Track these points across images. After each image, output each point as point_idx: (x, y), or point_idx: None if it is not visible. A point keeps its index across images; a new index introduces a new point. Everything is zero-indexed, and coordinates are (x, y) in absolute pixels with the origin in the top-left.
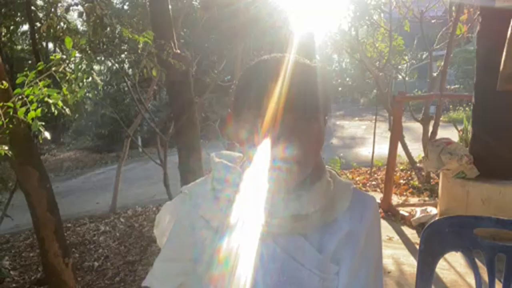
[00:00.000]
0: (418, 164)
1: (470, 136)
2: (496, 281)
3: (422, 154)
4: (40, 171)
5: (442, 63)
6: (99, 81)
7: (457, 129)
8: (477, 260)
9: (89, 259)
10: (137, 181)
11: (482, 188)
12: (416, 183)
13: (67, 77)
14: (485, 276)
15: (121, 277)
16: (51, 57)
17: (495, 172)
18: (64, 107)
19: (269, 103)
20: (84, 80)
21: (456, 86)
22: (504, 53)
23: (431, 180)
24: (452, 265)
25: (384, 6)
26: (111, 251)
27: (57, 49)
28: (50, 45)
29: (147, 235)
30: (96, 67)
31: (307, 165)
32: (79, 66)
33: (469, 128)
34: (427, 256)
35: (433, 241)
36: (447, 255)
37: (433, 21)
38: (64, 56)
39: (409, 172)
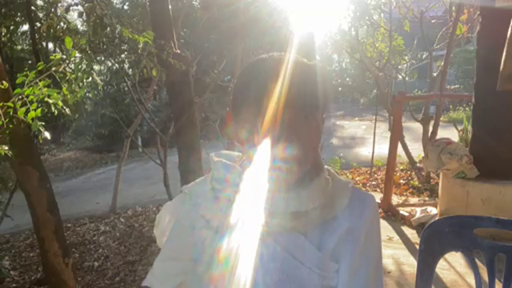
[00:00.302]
0: (418, 164)
1: (470, 136)
2: (496, 281)
3: (422, 154)
4: (40, 171)
5: (442, 63)
6: (99, 81)
7: (457, 129)
8: (477, 260)
9: (89, 259)
10: (137, 181)
11: (482, 188)
12: (416, 183)
13: (67, 77)
14: (485, 276)
15: (121, 277)
16: (51, 57)
17: (495, 172)
18: (64, 107)
19: (269, 101)
20: (84, 80)
21: (456, 86)
22: (504, 53)
23: (431, 180)
24: (452, 265)
25: (384, 6)
26: (111, 251)
27: (57, 49)
28: (50, 45)
29: (147, 235)
30: (96, 67)
31: (306, 163)
32: (79, 66)
33: (469, 128)
34: (427, 256)
35: (433, 241)
36: (447, 255)
37: (433, 21)
38: (64, 56)
39: (409, 172)
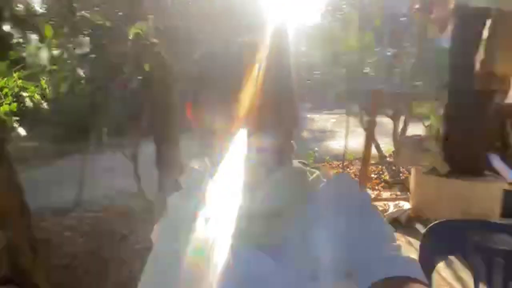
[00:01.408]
0: (388, 159)
1: (442, 133)
2: (493, 284)
3: (392, 149)
4: (7, 166)
5: (411, 60)
6: (82, 74)
7: (424, 124)
8: (473, 264)
9: (57, 257)
10: (105, 173)
11: (453, 184)
12: (387, 177)
13: (47, 69)
14: (481, 280)
15: (92, 275)
16: (27, 47)
17: (465, 169)
18: (42, 102)
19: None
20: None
21: (420, 82)
22: (481, 53)
23: (401, 175)
24: (449, 270)
25: (356, 2)
26: (80, 247)
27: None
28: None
29: (117, 231)
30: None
31: (278, 153)
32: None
33: (436, 123)
34: (425, 263)
35: (430, 247)
36: (445, 258)
37: (402, 18)
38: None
39: (380, 167)
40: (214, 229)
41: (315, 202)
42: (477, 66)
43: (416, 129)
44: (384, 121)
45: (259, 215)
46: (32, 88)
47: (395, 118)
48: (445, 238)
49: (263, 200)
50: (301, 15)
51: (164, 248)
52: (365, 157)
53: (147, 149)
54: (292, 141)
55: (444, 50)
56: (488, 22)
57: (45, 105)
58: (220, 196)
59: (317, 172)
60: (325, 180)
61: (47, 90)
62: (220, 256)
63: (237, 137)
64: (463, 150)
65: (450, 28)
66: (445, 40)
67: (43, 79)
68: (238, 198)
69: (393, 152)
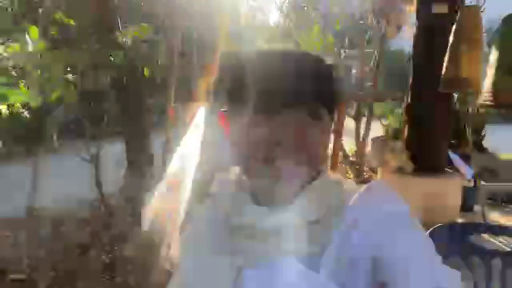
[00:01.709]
0: (351, 158)
1: (406, 133)
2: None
3: (354, 149)
4: None
5: (371, 62)
6: (70, 78)
7: (382, 124)
8: (473, 266)
9: (14, 270)
10: (60, 178)
11: (418, 182)
12: (351, 176)
13: (31, 74)
14: (481, 282)
15: None
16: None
17: (429, 167)
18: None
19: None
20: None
21: (381, 83)
22: (446, 58)
23: (365, 174)
24: None
25: (318, 4)
26: (38, 260)
27: None
28: None
29: (78, 242)
30: None
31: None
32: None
33: (393, 123)
34: None
35: None
36: (444, 262)
37: (361, 21)
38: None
39: (343, 166)
40: (246, 241)
41: (352, 211)
42: (443, 68)
43: (375, 128)
44: (346, 121)
45: (297, 224)
46: (19, 97)
47: (357, 118)
48: (445, 241)
49: (300, 210)
50: (262, 13)
51: (191, 263)
52: (334, 158)
53: (105, 152)
54: (326, 150)
55: (401, 51)
56: (453, 26)
57: (26, 113)
58: (251, 207)
59: (352, 180)
60: (361, 188)
61: (31, 98)
62: (257, 267)
63: (270, 147)
64: (426, 149)
65: (409, 30)
66: (404, 42)
67: (22, 83)
68: (274, 209)
69: (355, 152)
